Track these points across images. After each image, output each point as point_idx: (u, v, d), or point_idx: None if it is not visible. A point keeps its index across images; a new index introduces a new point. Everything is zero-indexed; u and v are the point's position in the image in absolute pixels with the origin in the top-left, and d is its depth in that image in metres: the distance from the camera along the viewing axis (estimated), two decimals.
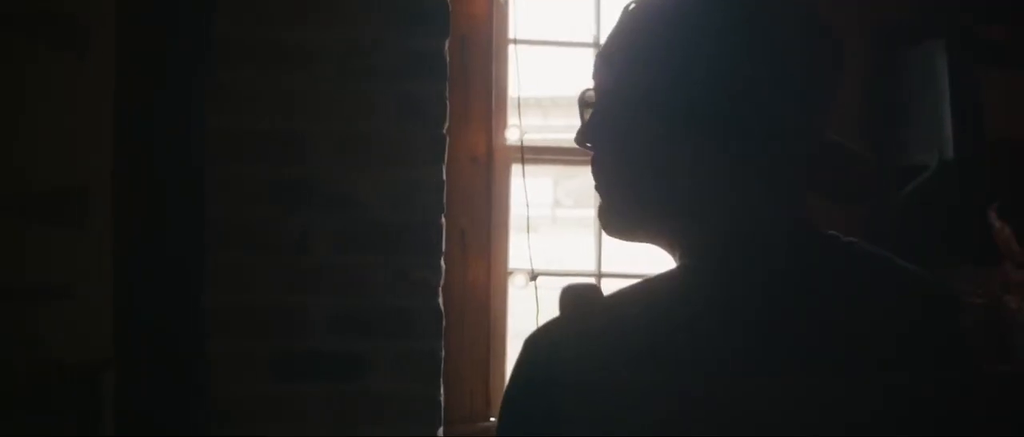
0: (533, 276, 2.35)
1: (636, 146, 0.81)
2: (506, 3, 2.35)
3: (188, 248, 1.91)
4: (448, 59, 1.99)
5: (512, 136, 2.34)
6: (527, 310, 2.28)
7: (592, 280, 2.48)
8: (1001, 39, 2.15)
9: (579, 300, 0.81)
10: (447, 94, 1.99)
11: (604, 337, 0.74)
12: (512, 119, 2.36)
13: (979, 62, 2.12)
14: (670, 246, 0.84)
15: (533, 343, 0.77)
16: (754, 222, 0.78)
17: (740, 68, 0.75)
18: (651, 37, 0.80)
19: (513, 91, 2.37)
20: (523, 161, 2.35)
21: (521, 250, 2.35)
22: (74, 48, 1.76)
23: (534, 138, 2.38)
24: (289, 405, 1.92)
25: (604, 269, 2.48)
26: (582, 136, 0.88)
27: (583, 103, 0.88)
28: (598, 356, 0.72)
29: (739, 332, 0.73)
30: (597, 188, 0.87)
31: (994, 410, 0.76)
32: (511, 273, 2.36)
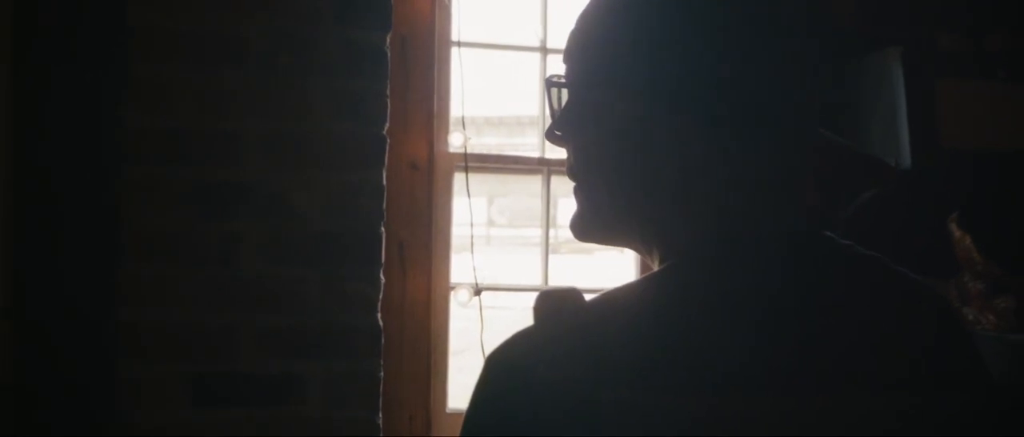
0: (477, 290, 2.23)
1: (618, 130, 0.73)
2: (449, 2, 2.24)
3: (98, 259, 1.76)
4: (389, 56, 1.87)
5: (456, 141, 2.22)
6: (468, 328, 2.17)
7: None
8: (956, 48, 2.13)
9: (559, 308, 0.69)
10: (388, 94, 1.87)
11: (590, 352, 0.64)
12: (455, 125, 2.25)
13: (935, 71, 2.09)
14: (652, 245, 0.77)
15: (503, 360, 0.67)
16: (747, 219, 0.72)
17: (733, 48, 0.70)
18: (634, 12, 0.73)
19: (456, 95, 2.26)
20: (466, 169, 2.23)
21: (459, 265, 2.24)
22: None
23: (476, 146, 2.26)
24: (212, 433, 1.78)
25: (552, 284, 2.37)
26: (558, 122, 0.79)
27: (551, 84, 0.80)
28: (583, 374, 0.63)
29: (740, 342, 0.65)
30: (576, 179, 0.79)
31: (1002, 416, 0.72)
32: (454, 288, 2.23)
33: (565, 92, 0.79)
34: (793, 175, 0.74)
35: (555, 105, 0.80)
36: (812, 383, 0.65)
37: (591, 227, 0.79)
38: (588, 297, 0.70)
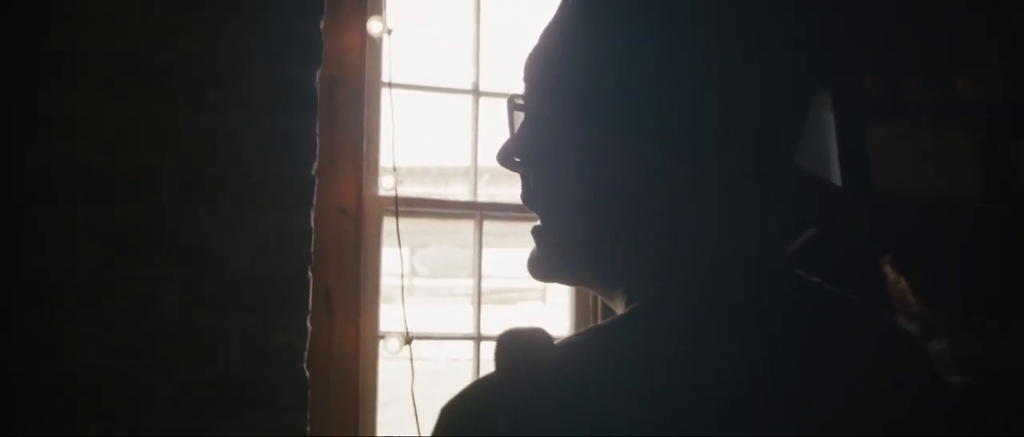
0: (408, 340, 2.13)
1: (586, 158, 0.68)
2: (380, 42, 2.17)
3: None
4: (318, 93, 1.79)
5: (386, 184, 2.14)
6: (394, 379, 2.07)
7: (470, 344, 2.28)
8: (883, 94, 2.17)
9: (527, 350, 0.62)
10: (317, 132, 1.79)
11: (560, 401, 0.58)
12: (385, 170, 2.17)
13: (864, 116, 2.13)
14: (618, 284, 0.71)
15: (462, 410, 0.60)
16: (722, 254, 0.67)
17: (714, 74, 0.64)
18: (605, 29, 0.67)
19: (386, 136, 2.18)
20: (397, 213, 2.14)
21: (386, 314, 2.15)
22: None
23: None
24: None
25: (484, 332, 2.29)
26: (513, 148, 0.73)
27: (513, 107, 0.74)
28: (551, 425, 0.57)
29: (715, 390, 0.60)
30: (535, 207, 0.73)
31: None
32: (383, 336, 2.13)
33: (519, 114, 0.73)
34: (770, 208, 0.70)
35: (515, 127, 0.74)
36: (795, 429, 0.61)
37: (555, 265, 0.73)
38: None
